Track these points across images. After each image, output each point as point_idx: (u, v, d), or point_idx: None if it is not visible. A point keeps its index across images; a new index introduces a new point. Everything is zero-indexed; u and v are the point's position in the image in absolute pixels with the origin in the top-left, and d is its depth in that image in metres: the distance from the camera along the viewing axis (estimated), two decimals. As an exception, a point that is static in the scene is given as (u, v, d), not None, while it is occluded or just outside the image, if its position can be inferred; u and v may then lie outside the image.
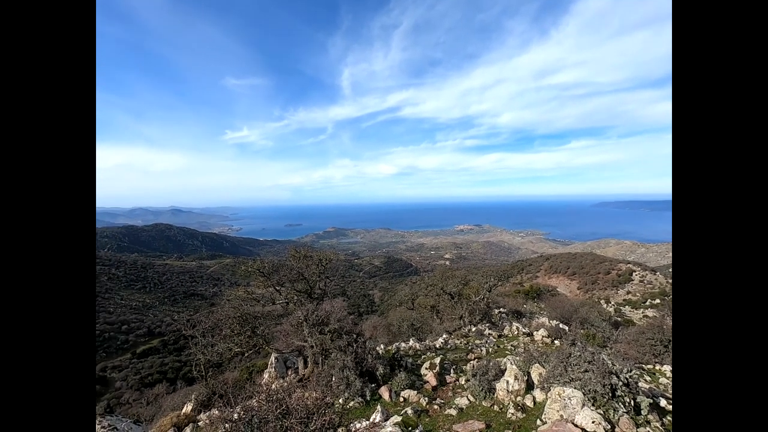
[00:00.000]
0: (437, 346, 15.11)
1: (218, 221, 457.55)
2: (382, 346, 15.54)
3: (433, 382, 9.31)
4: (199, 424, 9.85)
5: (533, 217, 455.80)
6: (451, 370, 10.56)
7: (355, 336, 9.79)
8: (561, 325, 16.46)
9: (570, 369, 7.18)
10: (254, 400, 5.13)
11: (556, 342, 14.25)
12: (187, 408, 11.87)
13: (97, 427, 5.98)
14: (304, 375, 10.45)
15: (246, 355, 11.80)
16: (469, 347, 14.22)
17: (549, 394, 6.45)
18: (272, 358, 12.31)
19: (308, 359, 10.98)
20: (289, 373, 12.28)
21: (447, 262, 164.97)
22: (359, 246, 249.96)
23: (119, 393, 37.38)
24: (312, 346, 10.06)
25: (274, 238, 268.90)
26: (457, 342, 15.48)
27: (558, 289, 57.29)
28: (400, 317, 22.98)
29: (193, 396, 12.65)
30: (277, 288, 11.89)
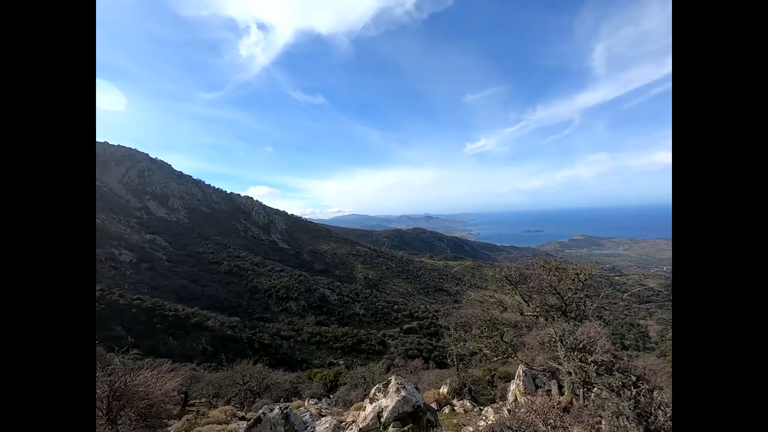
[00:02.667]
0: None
1: (459, 226, 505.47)
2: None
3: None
4: (455, 408, 11.02)
5: None
6: None
7: (634, 379, 7.59)
8: None
9: None
10: (506, 409, 5.01)
11: None
12: (443, 389, 13.65)
13: (393, 380, 7.87)
14: (560, 402, 9.28)
15: (495, 360, 12.04)
16: None
17: None
18: (520, 371, 11.88)
19: (564, 385, 9.68)
20: (538, 392, 11.35)
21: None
22: (621, 259, 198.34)
23: (392, 356, 49.01)
24: (570, 373, 8.76)
25: (512, 244, 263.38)
26: None
27: None
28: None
29: (447, 381, 14.42)
30: (526, 299, 11.32)
